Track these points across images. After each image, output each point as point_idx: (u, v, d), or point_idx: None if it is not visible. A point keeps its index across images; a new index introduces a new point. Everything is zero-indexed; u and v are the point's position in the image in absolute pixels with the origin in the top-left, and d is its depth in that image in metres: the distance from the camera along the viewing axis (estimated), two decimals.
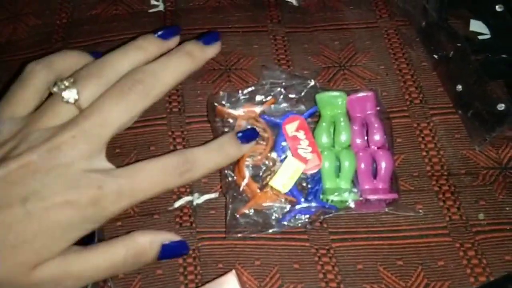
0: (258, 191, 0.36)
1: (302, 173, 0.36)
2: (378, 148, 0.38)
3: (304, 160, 0.36)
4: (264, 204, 0.36)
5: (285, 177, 0.36)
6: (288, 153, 0.37)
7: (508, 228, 0.36)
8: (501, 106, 0.36)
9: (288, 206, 0.36)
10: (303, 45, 0.46)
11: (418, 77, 0.43)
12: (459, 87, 0.39)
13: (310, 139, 0.37)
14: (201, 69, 0.44)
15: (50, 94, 0.25)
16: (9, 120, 0.24)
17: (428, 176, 0.39)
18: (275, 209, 0.36)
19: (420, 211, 0.37)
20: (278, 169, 0.36)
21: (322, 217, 0.37)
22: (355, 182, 0.37)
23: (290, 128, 0.38)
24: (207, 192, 0.38)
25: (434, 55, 0.43)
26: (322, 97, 0.39)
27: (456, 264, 0.35)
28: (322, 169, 0.37)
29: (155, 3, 0.49)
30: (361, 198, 0.36)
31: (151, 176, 0.24)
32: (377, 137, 0.37)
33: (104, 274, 0.24)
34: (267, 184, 0.36)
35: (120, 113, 0.24)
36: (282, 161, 0.37)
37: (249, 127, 0.37)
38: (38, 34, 0.48)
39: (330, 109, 0.38)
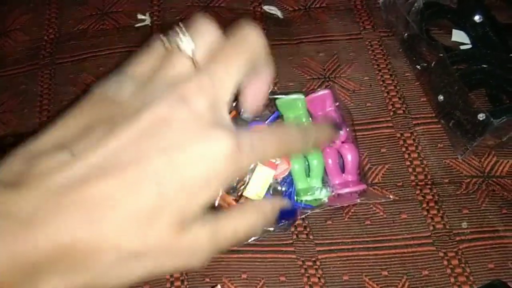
0: (234, 203, 0.37)
1: (274, 178, 0.37)
2: (343, 142, 0.39)
3: (274, 166, 0.37)
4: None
5: (257, 185, 0.36)
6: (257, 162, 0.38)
7: (491, 236, 0.37)
8: (481, 116, 0.36)
9: None
10: (288, 58, 0.46)
11: (401, 87, 0.43)
12: (441, 97, 0.40)
13: None
14: None
15: None
16: (131, 78, 0.23)
17: (412, 185, 0.39)
18: None
19: (391, 196, 0.38)
20: (250, 179, 0.37)
21: (300, 217, 0.38)
22: (325, 178, 0.38)
23: None
24: None
25: (417, 66, 0.43)
26: (282, 102, 0.40)
27: (440, 273, 0.36)
28: (293, 171, 0.37)
29: (142, 17, 0.50)
30: (332, 194, 0.37)
31: (278, 137, 0.23)
32: (340, 131, 0.38)
33: (241, 236, 0.23)
34: (241, 195, 0.37)
35: (239, 68, 0.22)
36: (252, 170, 0.37)
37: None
38: (26, 50, 0.49)
39: (292, 112, 0.39)
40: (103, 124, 0.21)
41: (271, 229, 0.37)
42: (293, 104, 0.39)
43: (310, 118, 0.40)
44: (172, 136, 0.20)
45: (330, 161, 0.38)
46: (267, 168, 0.37)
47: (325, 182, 0.38)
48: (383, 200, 0.38)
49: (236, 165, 0.21)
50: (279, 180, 0.38)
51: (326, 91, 0.40)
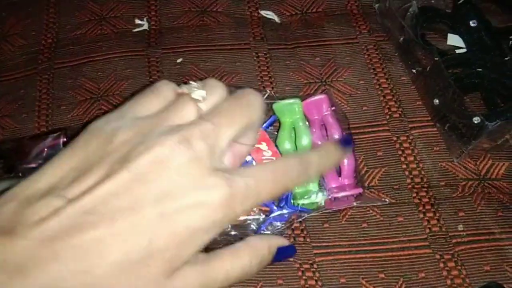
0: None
1: None
2: None
3: None
4: (238, 219, 0.37)
5: None
6: None
7: (487, 238, 0.37)
8: (477, 119, 0.37)
9: (262, 216, 0.37)
10: (285, 62, 0.46)
11: (397, 91, 0.44)
12: (436, 101, 0.40)
13: (272, 149, 0.39)
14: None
15: None
16: (132, 119, 0.23)
17: (408, 188, 0.39)
18: (251, 220, 0.37)
19: (386, 200, 0.39)
20: None
21: (297, 220, 0.38)
22: (321, 182, 0.38)
23: None
24: None
25: (413, 70, 0.44)
26: (279, 106, 0.40)
27: (437, 276, 0.36)
28: None
29: (140, 22, 0.50)
30: (329, 197, 0.37)
31: (275, 176, 0.23)
32: (336, 135, 0.39)
33: (234, 280, 0.23)
34: None
35: (240, 126, 0.23)
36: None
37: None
38: (24, 55, 0.49)
39: (289, 116, 0.40)
40: (99, 165, 0.20)
41: (268, 232, 0.37)
42: (290, 108, 0.40)
43: (307, 122, 0.40)
44: (168, 182, 0.20)
45: None
46: None
47: (321, 186, 0.38)
48: (379, 204, 0.39)
49: (230, 213, 0.21)
50: None
51: (322, 96, 0.40)
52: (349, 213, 0.39)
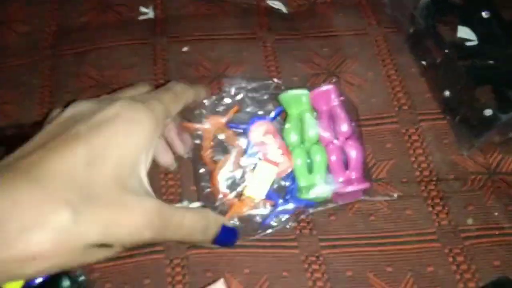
0: (236, 200, 0.36)
1: (276, 175, 0.36)
2: (347, 139, 0.38)
3: (276, 164, 0.36)
4: (245, 211, 0.36)
5: (258, 183, 0.36)
6: (259, 159, 0.37)
7: (496, 233, 0.36)
8: (488, 112, 0.36)
9: (268, 210, 0.36)
10: (292, 52, 0.46)
11: (406, 83, 0.43)
12: (447, 93, 0.39)
13: (279, 141, 0.37)
14: (191, 75, 0.44)
15: None
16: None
17: (417, 181, 0.39)
18: (257, 213, 0.36)
19: (394, 195, 0.38)
20: (251, 177, 0.36)
21: (303, 215, 0.37)
22: (328, 175, 0.37)
23: (257, 133, 0.38)
24: (197, 200, 0.38)
25: (422, 62, 0.43)
26: (286, 97, 0.39)
27: (445, 270, 0.35)
28: (295, 167, 0.37)
29: (145, 10, 0.49)
30: (335, 192, 0.36)
31: (175, 96, 0.31)
32: (344, 127, 0.37)
33: (184, 231, 0.27)
34: (243, 192, 0.36)
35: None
36: (254, 167, 0.37)
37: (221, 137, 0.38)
38: (27, 41, 0.48)
39: (296, 107, 0.39)
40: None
41: (275, 224, 0.37)
42: (297, 99, 0.39)
43: (315, 113, 0.39)
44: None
45: (333, 158, 0.37)
46: (269, 165, 0.36)
47: (328, 179, 0.37)
48: (387, 199, 0.38)
49: (158, 129, 0.28)
50: (282, 176, 0.38)
51: (330, 86, 0.39)
52: (356, 206, 0.38)
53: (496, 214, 0.37)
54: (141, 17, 0.49)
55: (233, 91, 0.40)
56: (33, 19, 0.49)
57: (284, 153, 0.37)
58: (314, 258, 0.36)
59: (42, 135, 0.26)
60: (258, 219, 0.37)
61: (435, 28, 0.43)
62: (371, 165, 0.40)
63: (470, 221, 0.37)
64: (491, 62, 0.40)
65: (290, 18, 0.48)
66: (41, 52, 0.47)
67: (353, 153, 0.37)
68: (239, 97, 0.40)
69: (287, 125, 0.38)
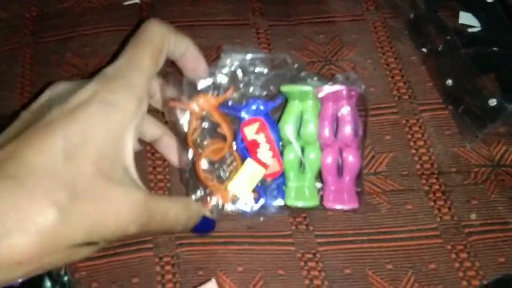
0: (221, 186, 0.34)
1: (263, 177, 0.34)
2: (347, 145, 0.34)
3: (265, 166, 0.34)
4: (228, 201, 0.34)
5: (243, 182, 0.34)
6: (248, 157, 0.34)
7: (501, 228, 0.35)
8: (493, 102, 0.35)
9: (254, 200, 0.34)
10: (287, 39, 0.44)
11: (406, 71, 0.41)
12: (449, 82, 0.38)
13: (270, 143, 0.34)
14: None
15: None
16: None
17: (417, 175, 0.37)
18: (244, 203, 0.34)
19: (382, 210, 0.36)
20: (238, 173, 0.34)
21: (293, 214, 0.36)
22: (316, 184, 0.35)
23: (249, 131, 0.34)
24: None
25: (423, 49, 0.41)
26: (290, 91, 0.35)
27: (448, 267, 0.34)
28: (285, 162, 0.34)
29: None
30: (322, 206, 0.34)
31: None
32: (348, 130, 0.34)
33: (169, 221, 0.27)
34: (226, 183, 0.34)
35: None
36: (244, 157, 0.34)
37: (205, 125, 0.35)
38: (6, 28, 0.46)
39: (299, 102, 0.35)
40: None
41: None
42: (302, 95, 0.35)
43: (319, 109, 0.35)
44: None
45: (328, 159, 0.34)
46: (257, 165, 0.34)
47: (316, 186, 0.35)
48: (377, 213, 0.36)
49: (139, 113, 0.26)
50: (269, 180, 0.35)
51: (342, 87, 0.34)
52: None
53: (500, 208, 0.36)
54: (127, 2, 0.46)
55: (233, 65, 0.35)
56: (12, 4, 0.47)
57: (275, 156, 0.35)
58: (310, 255, 0.34)
59: (17, 124, 0.25)
60: (245, 208, 0.34)
61: (437, 13, 0.42)
62: (370, 158, 0.38)
63: (473, 216, 0.35)
64: (495, 49, 0.38)
65: (284, 3, 0.46)
66: (21, 39, 0.45)
67: (350, 157, 0.34)
68: (238, 72, 0.35)
69: (285, 115, 0.35)
